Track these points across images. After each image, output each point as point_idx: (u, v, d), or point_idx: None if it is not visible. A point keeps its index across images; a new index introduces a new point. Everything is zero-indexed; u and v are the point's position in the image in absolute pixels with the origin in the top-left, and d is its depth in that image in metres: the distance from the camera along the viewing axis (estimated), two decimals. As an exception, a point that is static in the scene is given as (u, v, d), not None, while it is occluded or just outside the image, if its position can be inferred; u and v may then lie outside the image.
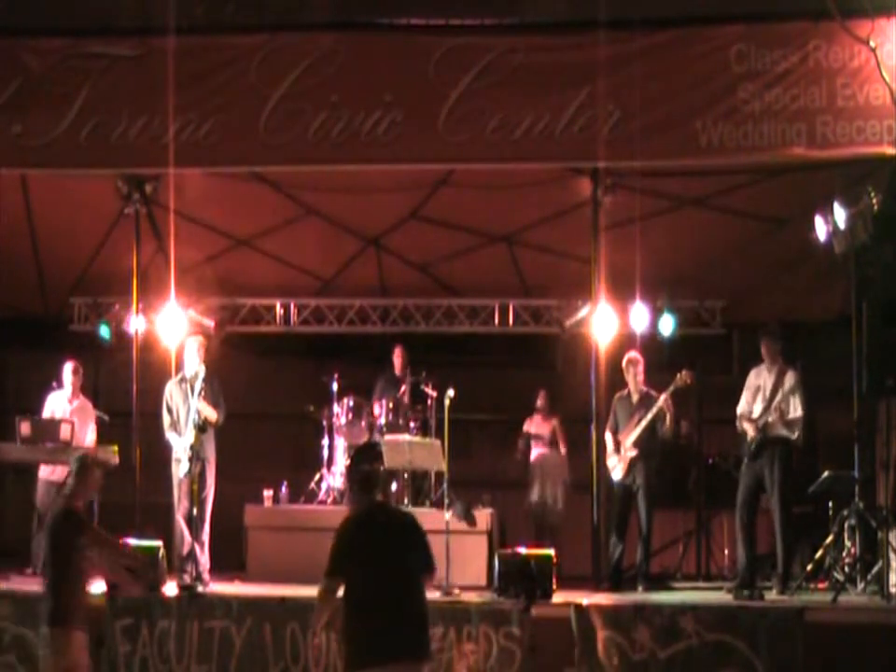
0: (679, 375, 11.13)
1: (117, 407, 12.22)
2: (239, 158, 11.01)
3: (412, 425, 12.62)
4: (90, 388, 12.60)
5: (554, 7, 10.83)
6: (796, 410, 10.64)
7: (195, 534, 10.72)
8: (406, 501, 12.11)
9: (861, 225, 10.25)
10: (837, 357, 11.02)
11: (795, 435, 10.64)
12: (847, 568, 10.48)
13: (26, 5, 10.95)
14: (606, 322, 11.60)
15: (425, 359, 13.18)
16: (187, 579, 10.52)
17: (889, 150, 10.35)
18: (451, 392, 11.16)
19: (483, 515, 11.65)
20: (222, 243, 13.47)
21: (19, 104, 10.93)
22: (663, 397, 11.07)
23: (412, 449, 11.38)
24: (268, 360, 14.78)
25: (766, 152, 10.56)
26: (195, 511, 10.68)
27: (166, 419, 11.06)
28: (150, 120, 10.78)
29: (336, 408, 12.79)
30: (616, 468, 11.17)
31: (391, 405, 12.65)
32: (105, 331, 13.50)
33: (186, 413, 10.88)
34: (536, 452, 13.17)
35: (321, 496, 12.47)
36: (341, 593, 6.62)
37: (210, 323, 13.84)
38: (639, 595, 10.59)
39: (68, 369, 11.92)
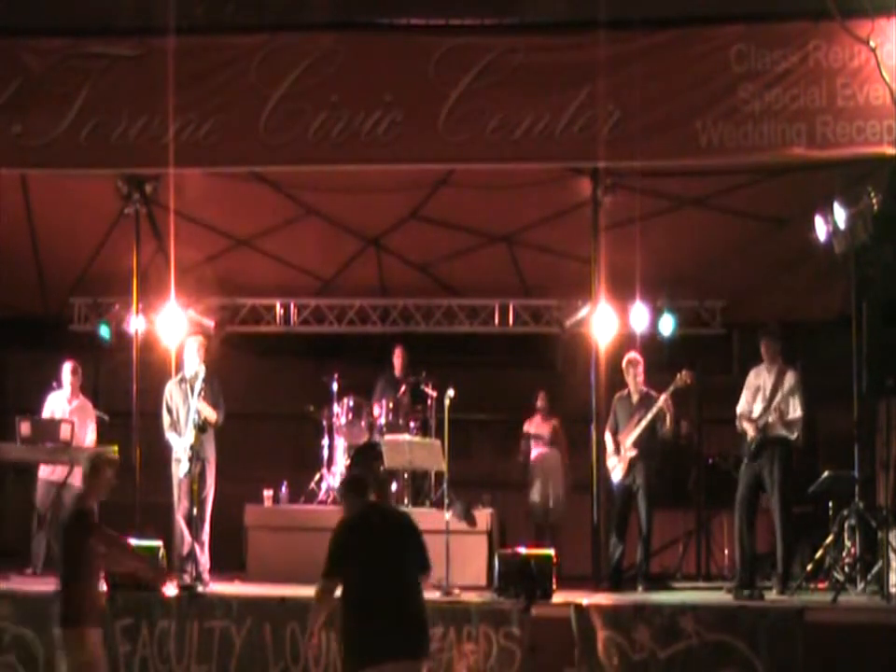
0: (679, 375, 11.13)
1: (117, 407, 12.22)
2: (239, 158, 11.01)
3: (412, 425, 12.62)
4: (90, 388, 12.60)
5: (554, 7, 10.83)
6: (796, 410, 10.64)
7: (195, 534, 10.72)
8: (406, 501, 12.11)
9: (860, 225, 10.24)
10: (837, 356, 11.02)
11: (795, 435, 10.64)
12: (847, 568, 10.48)
13: (26, 5, 10.94)
14: (606, 322, 11.60)
15: (425, 359, 13.18)
16: (187, 579, 10.50)
17: (889, 150, 10.34)
18: (451, 392, 11.15)
19: (483, 515, 11.65)
20: (222, 243, 13.47)
21: (19, 104, 10.92)
22: (663, 397, 11.07)
23: (412, 449, 11.38)
24: (268, 360, 14.78)
25: (766, 152, 10.56)
26: (195, 510, 10.68)
27: (166, 419, 11.06)
28: (150, 120, 10.78)
29: (336, 408, 12.78)
30: (616, 468, 11.16)
31: (391, 405, 12.65)
32: (105, 331, 13.51)
33: (186, 413, 10.87)
34: (536, 452, 13.18)
35: (321, 496, 12.46)
36: (338, 593, 6.63)
37: (210, 323, 13.84)
38: (639, 595, 10.59)
39: (67, 369, 11.92)
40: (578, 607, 9.51)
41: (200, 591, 10.22)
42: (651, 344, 12.54)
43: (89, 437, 11.82)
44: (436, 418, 12.33)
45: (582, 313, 12.75)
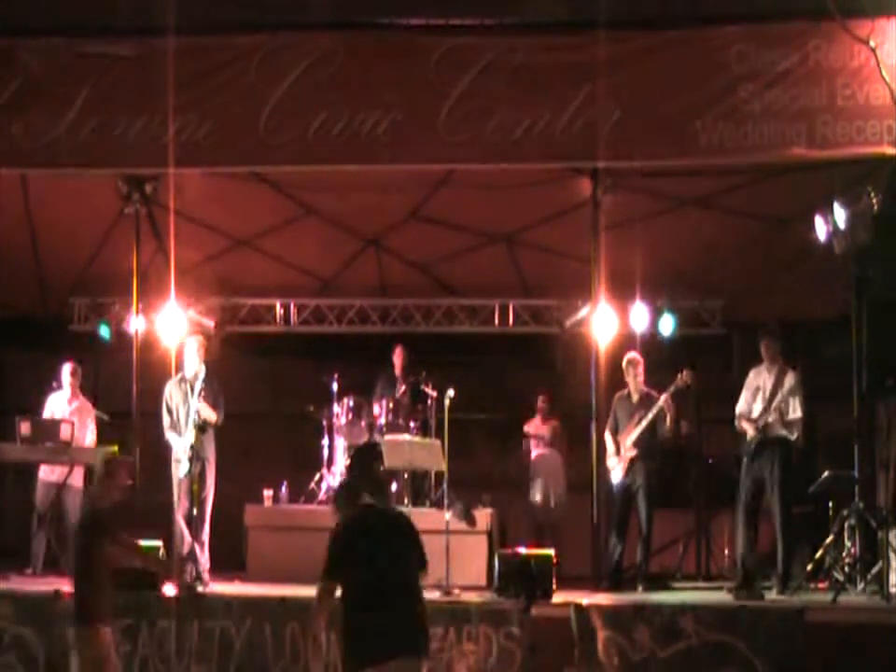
0: (679, 376, 11.12)
1: (117, 407, 12.21)
2: (239, 158, 11.00)
3: (412, 425, 12.62)
4: (90, 388, 12.59)
5: (554, 7, 10.81)
6: (796, 410, 10.64)
7: (195, 534, 10.72)
8: (406, 501, 12.11)
9: (860, 225, 10.24)
10: (837, 357, 11.02)
11: (795, 435, 10.65)
12: (847, 568, 10.47)
13: (26, 5, 10.93)
14: (606, 322, 11.60)
15: (425, 359, 13.17)
16: (187, 578, 10.51)
17: (889, 150, 10.34)
18: (451, 392, 11.16)
19: (483, 515, 11.65)
20: (222, 243, 13.47)
21: (19, 104, 10.91)
22: (663, 397, 11.06)
23: (412, 449, 11.37)
24: (268, 360, 14.79)
25: (766, 152, 10.56)
26: (195, 511, 10.68)
27: (166, 419, 11.06)
28: (150, 120, 10.77)
29: (336, 408, 12.79)
30: (616, 468, 11.16)
31: (391, 405, 12.65)
32: (104, 331, 13.52)
33: (186, 413, 10.87)
34: (536, 452, 13.19)
35: (321, 496, 12.45)
36: (338, 593, 6.63)
37: (210, 323, 13.85)
38: (639, 595, 10.58)
39: (66, 370, 11.93)
40: (578, 607, 9.51)
41: (200, 591, 10.22)
42: (650, 344, 12.55)
43: (89, 437, 11.83)
44: (436, 418, 12.33)
45: (582, 313, 12.75)
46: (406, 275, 14.01)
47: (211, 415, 10.89)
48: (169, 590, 9.92)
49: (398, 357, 13.04)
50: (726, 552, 12.68)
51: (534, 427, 13.24)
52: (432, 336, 13.95)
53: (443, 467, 11.24)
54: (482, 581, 11.11)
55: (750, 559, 10.68)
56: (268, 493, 12.11)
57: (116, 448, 11.34)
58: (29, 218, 12.92)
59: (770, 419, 10.62)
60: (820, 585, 10.59)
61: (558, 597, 9.88)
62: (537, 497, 13.00)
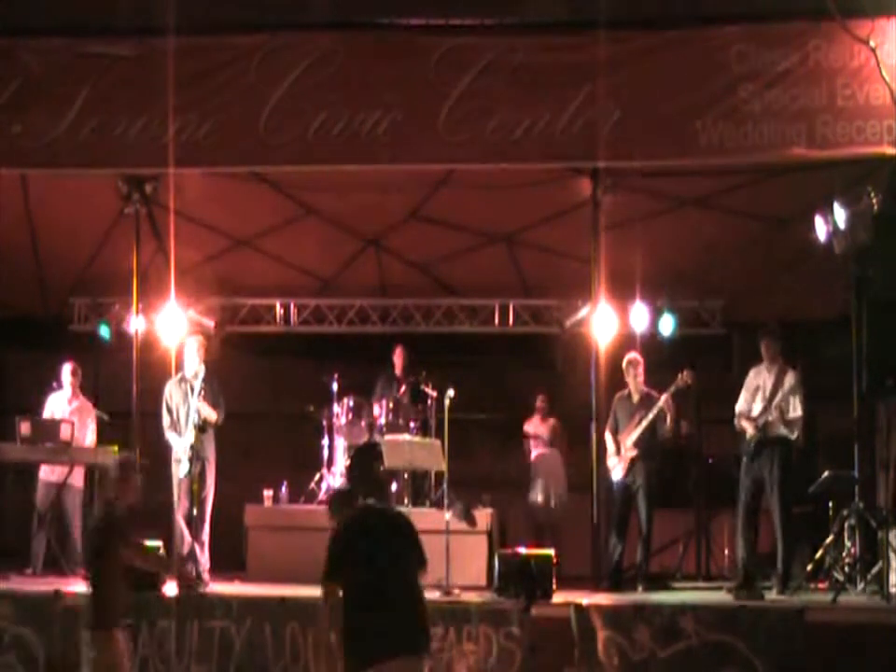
0: (679, 376, 11.11)
1: (117, 407, 12.21)
2: (239, 158, 10.99)
3: (412, 425, 12.62)
4: (90, 388, 12.59)
5: (554, 7, 10.81)
6: (796, 410, 10.64)
7: (195, 534, 10.73)
8: (406, 501, 12.11)
9: (860, 225, 10.24)
10: (837, 356, 11.02)
11: (795, 435, 10.65)
12: (847, 568, 10.47)
13: (26, 5, 10.93)
14: (606, 322, 11.60)
15: (425, 359, 13.18)
16: (187, 579, 10.50)
17: (889, 150, 10.34)
18: (451, 392, 11.16)
19: (483, 515, 11.65)
20: (222, 243, 13.47)
21: (19, 104, 10.91)
22: (663, 397, 11.06)
23: (412, 449, 11.38)
24: (268, 360, 14.79)
25: (766, 152, 10.55)
26: (195, 510, 10.69)
27: (166, 419, 11.06)
28: (150, 120, 10.77)
29: (336, 408, 12.79)
30: (616, 468, 11.16)
31: (391, 405, 12.65)
32: (104, 331, 13.52)
33: (186, 413, 10.88)
34: (535, 452, 13.20)
35: (321, 496, 12.45)
36: (340, 593, 6.64)
37: (210, 323, 13.85)
38: (639, 595, 10.59)
39: (66, 370, 11.93)
40: (578, 607, 9.51)
41: (200, 591, 10.22)
42: (650, 344, 12.55)
43: (89, 437, 11.83)
44: (436, 418, 12.33)
45: (582, 313, 12.75)
46: (406, 275, 14.01)
47: (211, 415, 10.89)
48: (169, 590, 9.92)
49: (398, 357, 13.04)
50: (726, 552, 12.68)
51: (533, 426, 13.25)
52: (432, 336, 13.95)
53: (443, 467, 11.24)
54: (482, 581, 11.12)
55: (750, 559, 10.68)
56: (268, 493, 12.11)
57: (116, 448, 11.36)
58: (29, 218, 12.92)
59: (770, 418, 10.62)
60: (820, 585, 10.59)
61: (558, 597, 9.88)
62: (537, 497, 13.01)
